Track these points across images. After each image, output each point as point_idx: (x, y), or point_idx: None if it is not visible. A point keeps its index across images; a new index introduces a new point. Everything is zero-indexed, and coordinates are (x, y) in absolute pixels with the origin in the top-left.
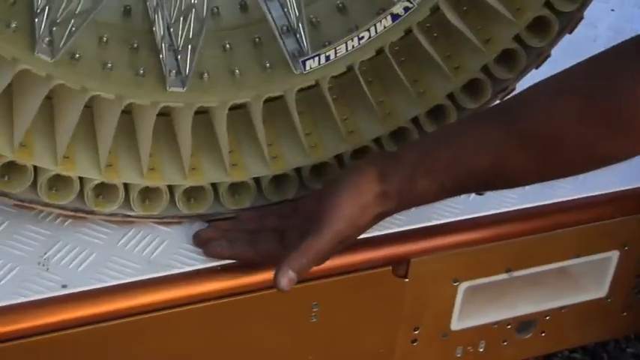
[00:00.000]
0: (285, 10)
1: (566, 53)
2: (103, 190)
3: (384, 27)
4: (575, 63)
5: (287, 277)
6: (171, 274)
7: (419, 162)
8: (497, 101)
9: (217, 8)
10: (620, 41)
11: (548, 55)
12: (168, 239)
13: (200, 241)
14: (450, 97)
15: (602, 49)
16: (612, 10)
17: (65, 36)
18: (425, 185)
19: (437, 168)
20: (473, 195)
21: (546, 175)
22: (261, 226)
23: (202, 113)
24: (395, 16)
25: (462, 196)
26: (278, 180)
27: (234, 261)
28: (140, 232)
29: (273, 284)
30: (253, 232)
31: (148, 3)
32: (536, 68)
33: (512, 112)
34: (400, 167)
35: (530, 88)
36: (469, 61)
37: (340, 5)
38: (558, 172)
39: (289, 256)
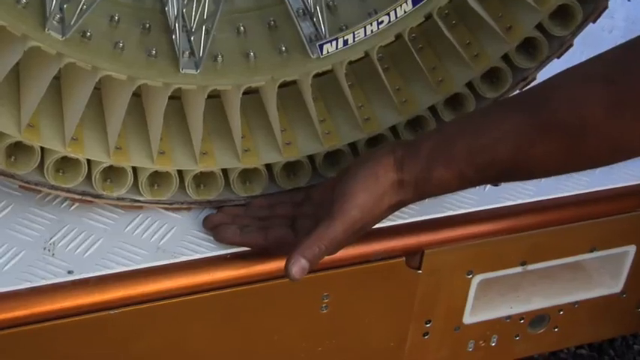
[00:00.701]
0: None
1: (583, 44)
2: (112, 173)
3: (405, 12)
4: (596, 53)
5: (299, 266)
6: (180, 262)
7: (437, 150)
8: (517, 91)
9: None
10: (636, 32)
11: (571, 45)
12: (177, 226)
13: (210, 225)
14: (469, 85)
15: (618, 39)
16: (629, 0)
17: (76, 13)
18: (443, 174)
19: (456, 156)
20: (489, 186)
21: (569, 166)
22: (273, 213)
23: (214, 97)
24: (416, 1)
25: (477, 187)
26: (290, 167)
27: (243, 249)
28: (148, 217)
29: (283, 273)
30: (264, 219)
31: None
32: (558, 58)
33: (535, 101)
34: (417, 155)
35: (554, 76)
36: (489, 49)
37: None
38: (582, 162)
39: (301, 244)
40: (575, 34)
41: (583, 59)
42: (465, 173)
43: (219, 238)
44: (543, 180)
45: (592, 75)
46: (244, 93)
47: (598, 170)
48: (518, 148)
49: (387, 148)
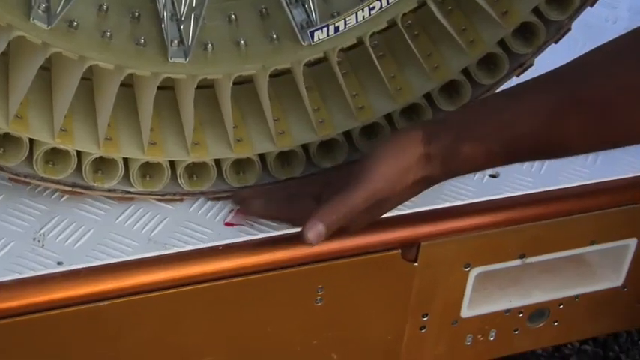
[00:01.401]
0: None
1: (586, 35)
2: (102, 165)
3: None
4: (599, 44)
5: (315, 231)
6: (172, 253)
7: (465, 126)
8: (514, 77)
9: None
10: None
11: (568, 29)
12: (169, 217)
13: (238, 200)
14: (465, 72)
15: (622, 30)
16: None
17: (62, 2)
18: (471, 150)
19: (485, 132)
20: (487, 177)
21: (599, 143)
22: (302, 190)
23: (207, 87)
24: None
25: (476, 178)
26: (285, 157)
27: (235, 239)
28: (140, 208)
29: (300, 238)
30: (292, 196)
31: None
32: (556, 43)
33: (566, 77)
34: (445, 131)
35: (584, 54)
36: (485, 35)
37: None
38: (612, 139)
39: (320, 210)
40: (572, 18)
41: (585, 51)
42: (492, 150)
43: (246, 212)
44: (542, 171)
45: (626, 50)
46: (238, 82)
47: (599, 161)
48: (551, 123)
49: (417, 124)
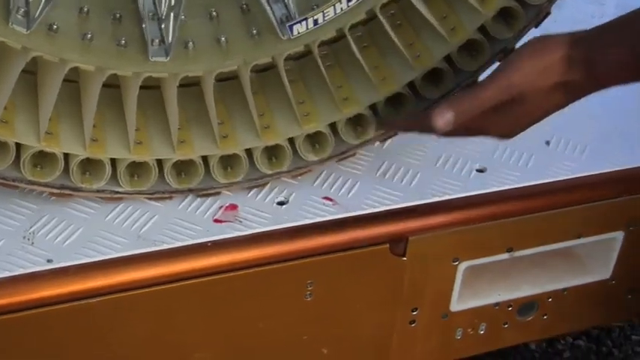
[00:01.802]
0: None
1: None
2: (90, 166)
3: None
4: None
5: (444, 118)
6: (161, 250)
7: (612, 32)
8: (497, 63)
9: None
10: None
11: (548, 13)
12: (158, 214)
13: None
14: (448, 60)
15: None
16: None
17: (41, 6)
18: (617, 53)
19: (630, 35)
20: (474, 172)
21: None
22: None
23: (193, 85)
24: None
25: (463, 173)
26: (272, 151)
27: (224, 236)
28: (129, 206)
29: (431, 126)
30: None
31: None
32: (536, 27)
33: None
34: (592, 36)
35: None
36: (465, 21)
37: None
38: None
39: (449, 99)
40: (552, 1)
41: None
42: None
43: (387, 127)
44: (529, 165)
45: None
46: (223, 79)
47: (584, 156)
48: None
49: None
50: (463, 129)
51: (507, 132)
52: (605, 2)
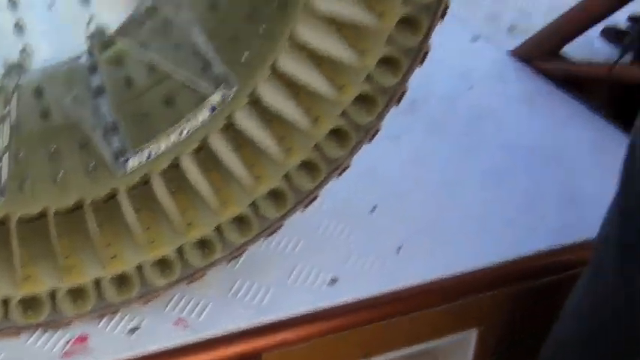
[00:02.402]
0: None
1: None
2: None
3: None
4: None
5: None
6: None
7: None
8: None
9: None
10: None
11: (377, 130)
12: (4, 352)
13: None
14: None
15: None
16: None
17: None
18: None
19: None
20: (325, 285)
21: None
22: None
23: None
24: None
25: (315, 285)
26: (120, 279)
27: None
28: None
29: None
30: None
31: None
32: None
33: None
34: None
35: None
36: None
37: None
38: None
39: None
40: (380, 117)
41: None
42: None
43: None
44: (379, 273)
45: None
46: (68, 212)
47: (433, 258)
48: None
49: None
50: None
51: None
52: None
